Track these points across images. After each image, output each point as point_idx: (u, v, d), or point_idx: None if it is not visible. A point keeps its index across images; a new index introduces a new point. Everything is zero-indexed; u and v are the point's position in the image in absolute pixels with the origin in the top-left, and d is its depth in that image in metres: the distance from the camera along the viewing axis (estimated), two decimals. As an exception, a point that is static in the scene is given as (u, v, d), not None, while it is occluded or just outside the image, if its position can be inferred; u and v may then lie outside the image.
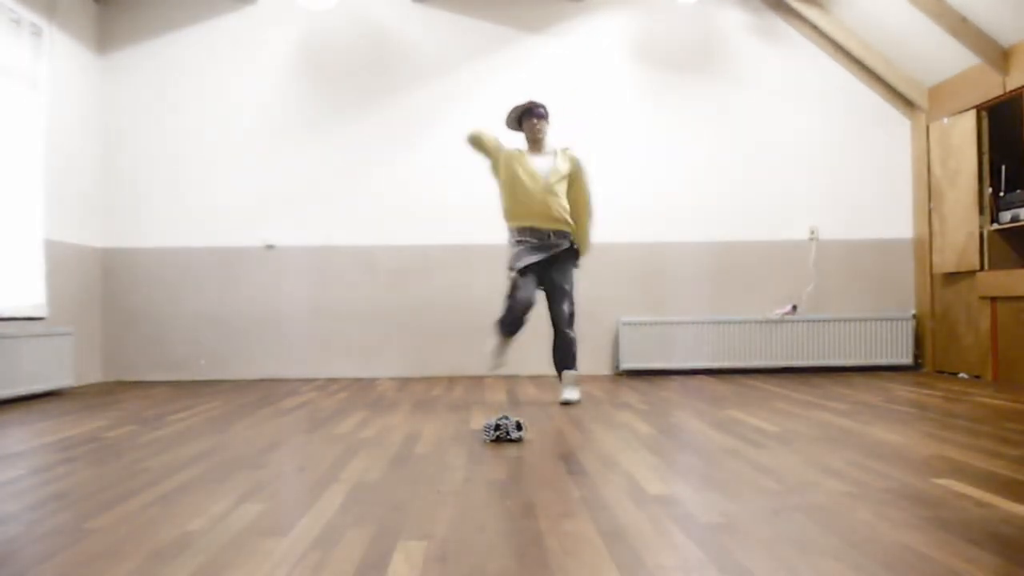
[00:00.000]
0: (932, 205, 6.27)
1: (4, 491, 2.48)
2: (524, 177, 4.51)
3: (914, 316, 6.42)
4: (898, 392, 4.95)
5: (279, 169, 6.42)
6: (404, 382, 5.97)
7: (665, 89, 6.55)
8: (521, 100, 4.66)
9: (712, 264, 6.49)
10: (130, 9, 6.44)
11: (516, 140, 4.71)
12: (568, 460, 2.89)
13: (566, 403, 4.53)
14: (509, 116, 4.66)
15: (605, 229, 6.50)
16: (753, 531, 1.96)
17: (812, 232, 6.53)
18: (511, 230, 4.61)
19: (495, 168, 4.62)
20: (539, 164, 4.56)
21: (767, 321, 6.37)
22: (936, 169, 6.19)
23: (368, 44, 6.49)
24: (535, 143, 4.63)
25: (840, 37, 6.34)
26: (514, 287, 4.47)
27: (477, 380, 5.99)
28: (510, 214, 4.61)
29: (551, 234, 4.53)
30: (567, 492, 2.39)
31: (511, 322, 4.49)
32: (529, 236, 4.52)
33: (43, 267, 5.42)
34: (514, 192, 4.54)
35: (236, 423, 3.93)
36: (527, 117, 4.59)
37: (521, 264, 4.46)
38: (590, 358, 6.43)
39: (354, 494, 2.39)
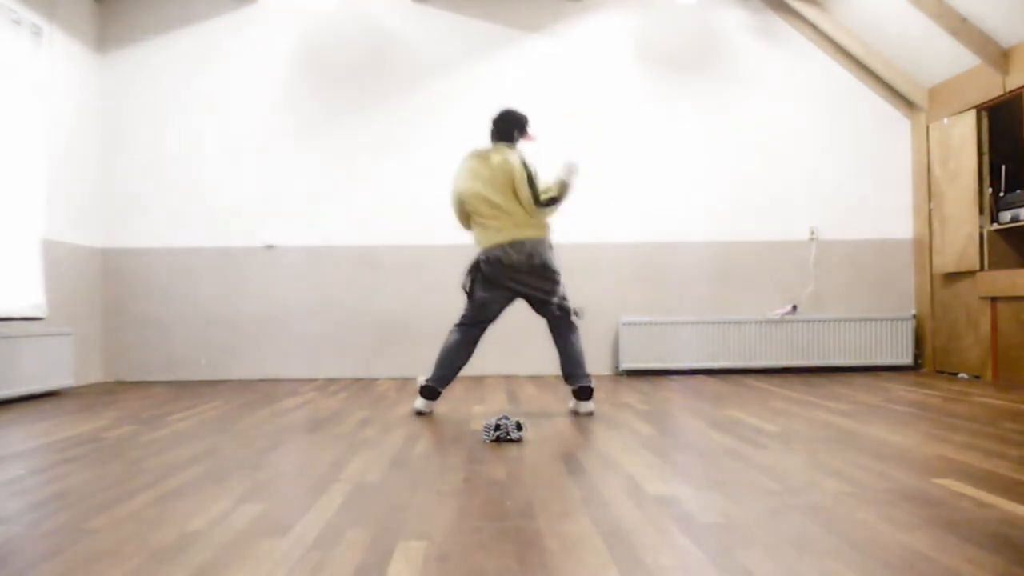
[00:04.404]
0: (932, 205, 6.27)
1: (4, 491, 2.48)
2: None
3: (914, 316, 6.42)
4: (898, 392, 4.94)
5: (279, 169, 6.43)
6: (404, 382, 5.97)
7: (665, 89, 6.55)
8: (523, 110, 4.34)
9: (712, 264, 6.49)
10: (130, 9, 6.44)
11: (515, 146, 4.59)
12: (568, 460, 2.89)
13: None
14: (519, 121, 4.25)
15: (605, 229, 6.55)
16: (753, 531, 1.96)
17: (812, 232, 6.53)
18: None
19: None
20: None
21: (767, 321, 6.37)
22: (936, 169, 6.19)
23: (368, 44, 6.49)
24: None
25: (840, 37, 6.34)
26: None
27: (477, 380, 5.99)
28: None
29: None
30: (567, 492, 2.39)
31: None
32: None
33: (42, 267, 5.41)
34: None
35: (236, 423, 3.92)
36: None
37: None
38: (590, 358, 6.43)
39: (354, 494, 2.39)
